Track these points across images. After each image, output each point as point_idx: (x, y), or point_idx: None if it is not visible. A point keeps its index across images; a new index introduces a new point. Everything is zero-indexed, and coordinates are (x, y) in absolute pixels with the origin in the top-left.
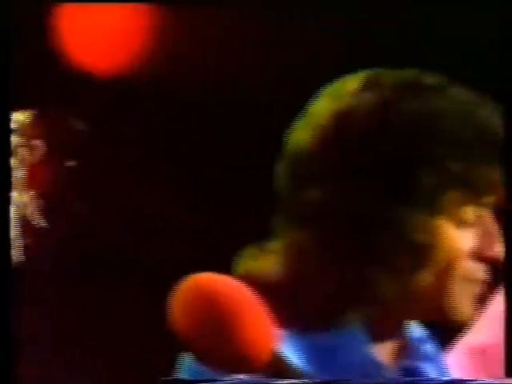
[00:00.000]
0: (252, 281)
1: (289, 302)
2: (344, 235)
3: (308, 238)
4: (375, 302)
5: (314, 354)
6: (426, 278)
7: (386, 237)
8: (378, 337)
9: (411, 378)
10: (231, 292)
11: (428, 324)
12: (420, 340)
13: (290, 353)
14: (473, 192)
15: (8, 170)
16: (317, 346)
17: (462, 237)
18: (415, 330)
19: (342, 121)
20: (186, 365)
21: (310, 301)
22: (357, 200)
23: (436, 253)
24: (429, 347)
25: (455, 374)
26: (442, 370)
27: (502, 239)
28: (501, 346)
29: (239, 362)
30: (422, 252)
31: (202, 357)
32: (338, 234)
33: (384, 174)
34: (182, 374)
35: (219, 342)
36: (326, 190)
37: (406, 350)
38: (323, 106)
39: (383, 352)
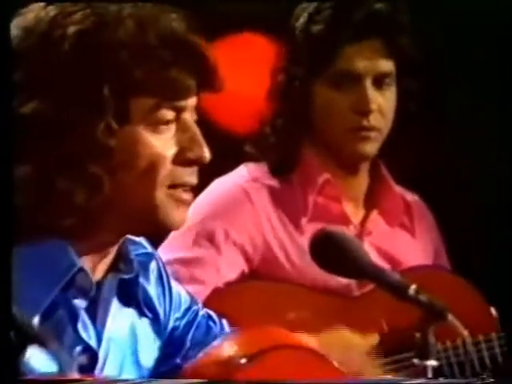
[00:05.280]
0: None
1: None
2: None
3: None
4: (74, 212)
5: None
6: (126, 184)
7: (77, 144)
8: (88, 248)
9: None
10: None
11: (150, 239)
12: (142, 256)
13: None
14: (164, 97)
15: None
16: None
17: (161, 141)
18: (139, 246)
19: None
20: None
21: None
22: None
23: (132, 158)
24: (153, 265)
25: (178, 287)
26: (167, 286)
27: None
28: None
29: None
30: (114, 158)
31: None
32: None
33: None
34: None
35: None
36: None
37: (124, 264)
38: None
39: (95, 264)
